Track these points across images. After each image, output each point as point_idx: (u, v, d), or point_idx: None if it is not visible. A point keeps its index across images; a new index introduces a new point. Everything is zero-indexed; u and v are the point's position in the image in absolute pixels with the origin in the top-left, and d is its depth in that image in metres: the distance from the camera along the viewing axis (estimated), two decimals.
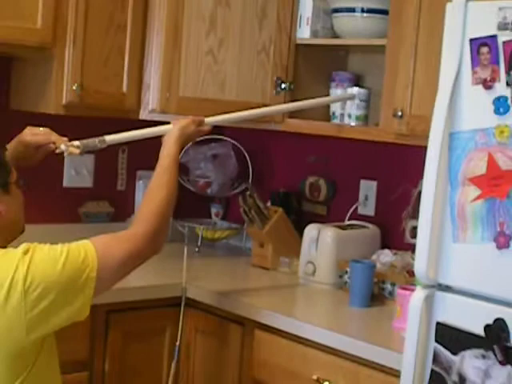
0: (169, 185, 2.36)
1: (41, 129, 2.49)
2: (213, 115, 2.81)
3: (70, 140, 2.51)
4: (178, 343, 2.84)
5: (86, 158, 3.49)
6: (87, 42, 3.00)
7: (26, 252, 1.97)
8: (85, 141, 2.53)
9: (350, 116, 3.11)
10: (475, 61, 2.04)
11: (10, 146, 2.36)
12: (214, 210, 3.82)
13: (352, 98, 3.09)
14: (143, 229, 2.21)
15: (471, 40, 2.04)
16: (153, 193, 2.35)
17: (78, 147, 2.49)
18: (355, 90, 3.10)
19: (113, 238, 2.14)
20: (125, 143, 3.58)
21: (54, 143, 2.46)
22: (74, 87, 2.96)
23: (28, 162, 2.47)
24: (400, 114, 2.71)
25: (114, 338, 2.81)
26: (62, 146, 2.47)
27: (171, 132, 2.53)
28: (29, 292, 1.92)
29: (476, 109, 2.04)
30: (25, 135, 2.46)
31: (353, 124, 3.09)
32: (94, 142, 2.55)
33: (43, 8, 2.87)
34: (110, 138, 2.62)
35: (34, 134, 2.46)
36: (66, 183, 3.49)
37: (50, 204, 3.45)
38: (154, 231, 2.22)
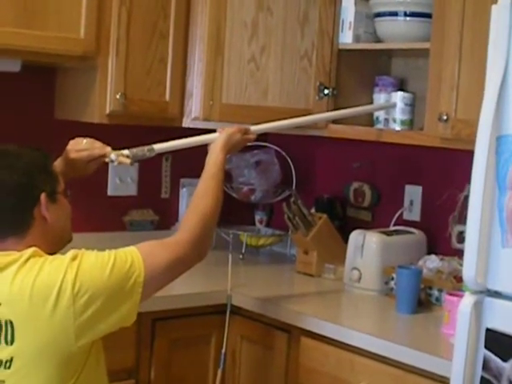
0: (214, 192, 2.38)
1: (84, 141, 2.50)
2: (256, 122, 2.82)
3: (114, 149, 2.52)
4: (223, 351, 2.84)
5: (130, 167, 3.50)
6: (130, 51, 3.01)
7: (74, 258, 1.99)
8: (134, 150, 2.55)
9: (394, 121, 3.08)
10: None
11: (57, 163, 2.36)
12: (257, 217, 3.81)
13: (393, 106, 3.08)
14: (188, 236, 2.22)
15: None
16: (198, 200, 2.36)
17: (127, 157, 2.51)
18: (399, 95, 3.08)
19: (158, 244, 2.15)
20: (169, 151, 3.61)
21: (104, 155, 2.48)
22: (118, 96, 2.98)
23: (78, 175, 2.49)
24: (445, 117, 2.68)
25: (160, 345, 2.81)
26: (112, 156, 2.49)
27: (218, 140, 2.56)
28: (77, 298, 1.94)
29: None
30: (69, 153, 2.48)
31: (398, 129, 3.06)
32: (143, 150, 2.58)
33: (86, 18, 2.89)
34: (159, 147, 2.64)
35: (77, 151, 2.48)
36: (110, 192, 3.50)
37: (95, 213, 3.47)
38: (198, 238, 2.24)
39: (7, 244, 2.05)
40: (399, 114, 3.08)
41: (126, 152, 2.53)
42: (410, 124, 3.08)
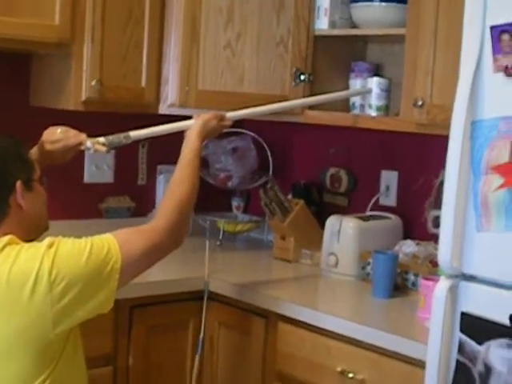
0: (190, 179, 2.38)
1: (58, 130, 2.50)
2: (232, 108, 2.81)
3: (90, 136, 2.51)
4: (201, 337, 2.85)
5: (106, 154, 3.48)
6: (105, 37, 2.99)
7: (50, 246, 1.98)
8: (110, 137, 2.55)
9: (370, 106, 3.09)
10: (496, 48, 2.01)
11: (33, 151, 2.36)
12: (234, 204, 3.81)
13: (369, 91, 3.09)
14: (164, 222, 2.22)
15: (492, 27, 2.01)
16: (174, 187, 2.37)
17: (103, 144, 2.51)
18: (374, 80, 3.08)
19: (134, 231, 2.15)
20: (146, 138, 3.60)
21: (79, 143, 2.48)
22: (93, 83, 2.96)
23: (54, 163, 2.49)
24: (420, 103, 2.69)
25: (137, 332, 2.81)
26: (88, 144, 2.49)
27: (193, 127, 2.56)
28: (54, 285, 1.94)
29: (498, 97, 2.02)
30: (44, 144, 2.47)
31: (373, 114, 3.07)
32: (120, 137, 2.57)
33: (61, 4, 2.87)
34: (135, 134, 2.64)
35: (52, 143, 2.47)
36: (86, 179, 3.49)
37: (71, 200, 3.46)
38: (175, 225, 2.24)
39: None
40: (375, 99, 3.08)
41: (101, 140, 2.52)
42: (386, 110, 3.09)
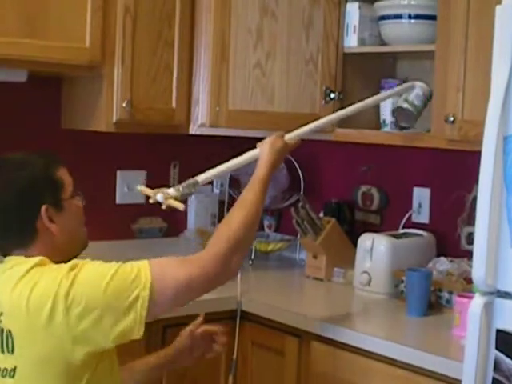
0: (251, 206, 2.27)
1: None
2: (263, 128, 2.81)
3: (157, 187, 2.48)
4: (234, 357, 2.84)
5: (138, 174, 3.52)
6: (135, 59, 3.02)
7: (72, 268, 1.95)
8: (180, 187, 2.45)
9: (406, 100, 3.02)
10: None
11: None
12: (266, 223, 3.81)
13: (411, 87, 2.94)
14: (214, 251, 2.12)
15: None
16: (233, 214, 2.27)
17: (175, 199, 2.41)
18: (418, 83, 2.97)
19: (174, 259, 2.06)
20: (176, 158, 3.62)
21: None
22: (124, 104, 2.99)
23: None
24: (452, 119, 2.68)
25: None
26: (159, 197, 2.42)
27: (261, 155, 2.48)
28: (71, 309, 1.90)
29: None
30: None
31: (407, 107, 3.01)
32: (189, 187, 2.47)
33: (91, 27, 2.90)
34: (203, 178, 2.53)
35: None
36: (118, 200, 3.51)
37: (104, 221, 3.47)
38: (226, 254, 2.12)
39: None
40: (414, 98, 3.04)
41: (171, 192, 2.43)
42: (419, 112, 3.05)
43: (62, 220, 2.06)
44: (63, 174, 2.10)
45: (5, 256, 2.06)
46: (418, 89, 2.91)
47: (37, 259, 2.00)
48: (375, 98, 2.97)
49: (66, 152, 3.31)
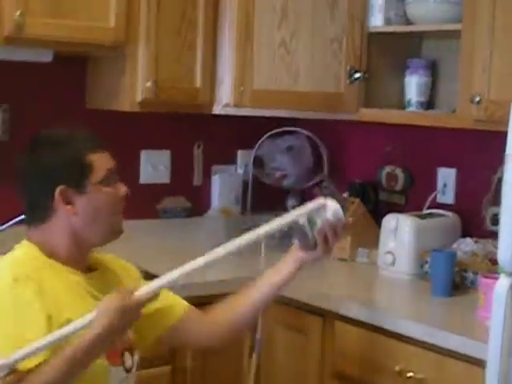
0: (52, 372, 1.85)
1: None
2: (287, 107, 2.80)
3: None
4: (258, 336, 2.85)
5: (162, 154, 3.53)
6: (160, 38, 3.02)
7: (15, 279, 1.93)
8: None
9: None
10: None
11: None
12: (290, 203, 3.80)
13: (323, 208, 2.17)
14: None
15: None
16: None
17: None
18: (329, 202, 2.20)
19: None
20: (200, 137, 3.63)
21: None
22: (149, 84, 2.99)
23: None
24: (478, 99, 2.67)
25: None
26: None
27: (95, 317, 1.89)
28: None
29: None
30: None
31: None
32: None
33: (116, 7, 2.90)
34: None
35: None
36: (143, 180, 3.52)
37: (128, 201, 3.48)
38: None
39: (28, 232, 2.07)
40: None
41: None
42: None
43: (83, 203, 2.04)
44: (98, 159, 2.08)
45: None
46: (329, 212, 2.16)
47: (22, 246, 2.03)
48: (269, 226, 2.16)
49: (91, 131, 3.33)
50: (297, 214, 2.18)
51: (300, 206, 2.22)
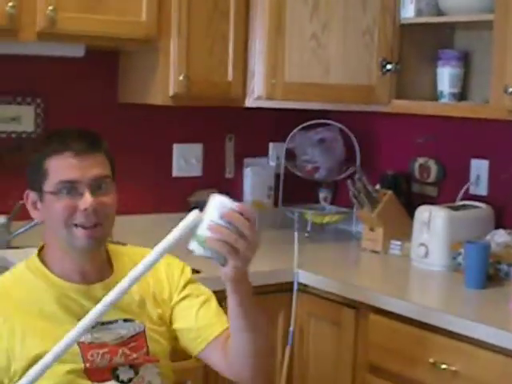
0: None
1: None
2: (319, 99, 2.78)
3: None
4: (291, 328, 2.86)
5: (194, 147, 3.54)
6: (191, 32, 3.03)
7: None
8: None
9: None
10: None
11: None
12: (322, 195, 3.81)
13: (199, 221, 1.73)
14: None
15: None
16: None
17: None
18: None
19: None
20: (232, 130, 3.63)
21: None
22: (181, 78, 3.00)
23: None
24: (511, 90, 2.65)
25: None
26: None
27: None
28: None
29: None
30: None
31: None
32: None
33: (147, 1, 2.91)
34: None
35: None
36: (175, 173, 3.53)
37: (160, 194, 3.51)
38: None
39: None
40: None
41: None
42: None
43: (42, 210, 1.94)
44: (56, 166, 1.88)
45: None
46: (208, 215, 1.73)
47: (35, 253, 1.99)
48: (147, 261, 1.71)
49: (123, 126, 3.35)
50: (169, 239, 1.70)
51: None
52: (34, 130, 3.12)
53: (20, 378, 1.81)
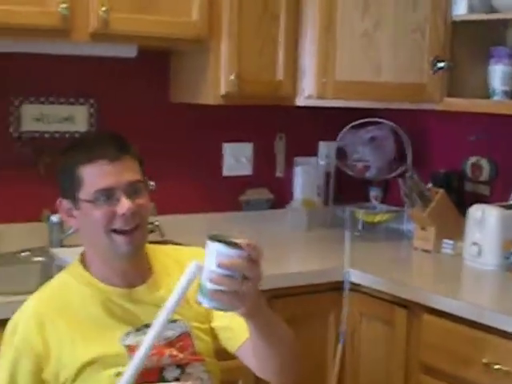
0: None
1: None
2: (370, 98, 2.78)
3: None
4: (343, 327, 2.85)
5: (244, 146, 3.55)
6: (242, 32, 3.03)
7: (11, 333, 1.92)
8: None
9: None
10: None
11: None
12: (372, 194, 3.79)
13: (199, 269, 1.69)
14: None
15: None
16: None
17: None
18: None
19: None
20: (282, 129, 3.64)
21: None
22: (232, 77, 3.01)
23: None
24: None
25: None
26: None
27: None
28: None
29: None
30: None
31: None
32: None
33: (199, 1, 2.92)
34: None
35: None
36: (225, 172, 3.55)
37: (211, 193, 3.52)
38: None
39: None
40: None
41: None
42: None
43: (78, 218, 1.94)
44: (90, 173, 1.88)
45: None
46: (207, 264, 1.67)
47: (76, 260, 2.01)
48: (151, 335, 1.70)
49: (174, 125, 3.37)
50: (174, 296, 1.68)
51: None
52: (88, 129, 3.16)
53: None
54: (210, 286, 1.64)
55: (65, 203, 1.94)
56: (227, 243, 1.64)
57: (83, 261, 2.00)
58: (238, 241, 1.66)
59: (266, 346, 1.90)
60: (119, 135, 1.97)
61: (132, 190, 1.90)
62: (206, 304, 1.67)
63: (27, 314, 1.92)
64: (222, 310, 1.73)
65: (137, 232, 1.91)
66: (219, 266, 1.63)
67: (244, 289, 1.66)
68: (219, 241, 1.64)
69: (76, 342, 1.88)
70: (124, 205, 1.87)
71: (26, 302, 1.96)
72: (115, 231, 1.89)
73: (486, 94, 3.14)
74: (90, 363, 1.85)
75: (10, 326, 1.93)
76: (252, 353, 1.96)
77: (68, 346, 1.88)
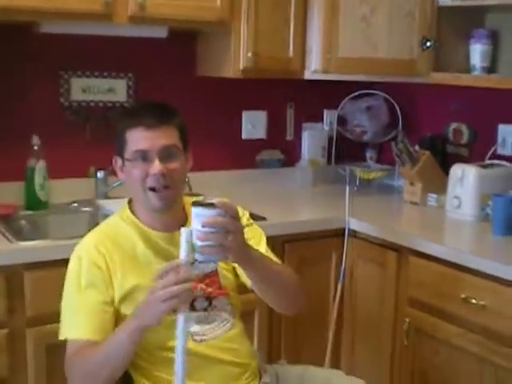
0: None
1: None
2: (367, 73, 2.76)
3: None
4: (343, 268, 2.87)
5: (260, 114, 3.55)
6: (259, 16, 3.02)
7: (78, 258, 1.95)
8: None
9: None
10: None
11: None
12: (368, 155, 3.79)
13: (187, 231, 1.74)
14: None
15: None
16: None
17: None
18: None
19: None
20: (292, 99, 3.63)
21: None
22: (249, 54, 3.00)
23: None
24: None
25: (289, 263, 2.85)
26: None
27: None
28: None
29: None
30: None
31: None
32: None
33: None
34: None
35: None
36: (244, 136, 3.55)
37: (232, 154, 3.53)
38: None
39: None
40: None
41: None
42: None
43: (126, 174, 1.97)
44: (133, 136, 1.91)
45: None
46: (194, 226, 1.74)
47: (124, 206, 2.02)
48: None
49: (201, 95, 3.37)
50: (182, 259, 1.72)
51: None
52: (126, 99, 3.16)
53: (115, 305, 1.89)
54: (199, 243, 1.70)
55: (118, 160, 1.98)
56: (205, 205, 1.69)
57: (131, 207, 2.02)
58: (213, 201, 1.71)
59: (266, 285, 1.94)
60: (164, 106, 1.97)
61: (166, 154, 1.91)
62: (200, 258, 1.72)
63: (88, 247, 1.95)
64: (213, 261, 1.79)
65: (166, 191, 1.92)
66: (203, 225, 1.69)
67: (228, 241, 1.71)
68: (200, 205, 1.70)
69: (126, 269, 1.92)
70: (155, 166, 1.89)
71: (83, 239, 1.98)
72: (149, 188, 1.92)
73: (467, 69, 3.12)
74: (136, 288, 1.90)
75: (73, 259, 1.95)
76: (258, 292, 1.98)
77: (119, 271, 1.92)
